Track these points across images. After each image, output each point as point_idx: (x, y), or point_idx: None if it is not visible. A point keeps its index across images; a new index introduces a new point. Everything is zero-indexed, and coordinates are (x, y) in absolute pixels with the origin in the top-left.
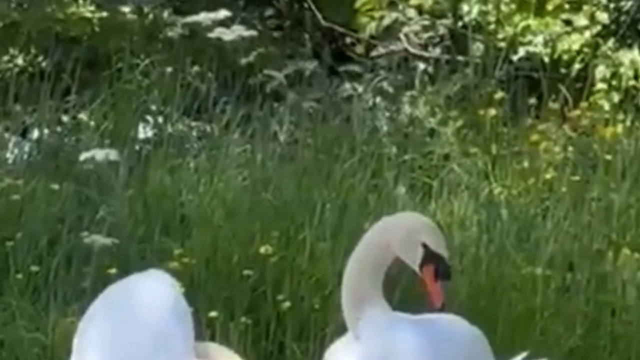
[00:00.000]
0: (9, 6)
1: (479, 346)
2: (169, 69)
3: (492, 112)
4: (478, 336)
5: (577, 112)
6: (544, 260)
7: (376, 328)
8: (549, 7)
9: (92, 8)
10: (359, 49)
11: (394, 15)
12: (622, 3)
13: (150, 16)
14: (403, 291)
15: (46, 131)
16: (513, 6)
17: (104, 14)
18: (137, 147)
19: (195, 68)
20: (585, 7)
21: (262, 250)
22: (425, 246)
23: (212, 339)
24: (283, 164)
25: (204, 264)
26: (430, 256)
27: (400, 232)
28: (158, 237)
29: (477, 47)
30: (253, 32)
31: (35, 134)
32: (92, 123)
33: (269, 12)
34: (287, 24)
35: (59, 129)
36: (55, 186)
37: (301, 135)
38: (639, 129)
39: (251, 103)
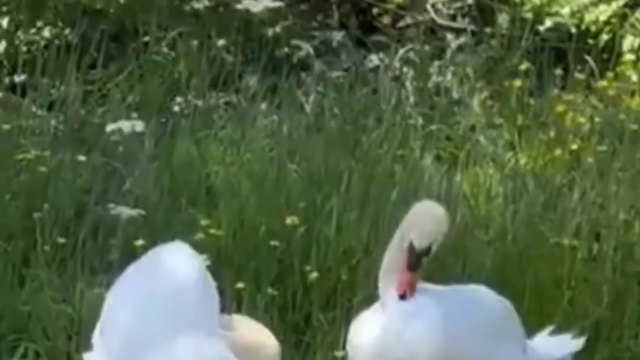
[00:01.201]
0: None
1: (505, 316)
2: (196, 41)
3: (518, 83)
4: (505, 306)
5: (604, 82)
6: (570, 230)
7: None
8: None
9: None
10: (386, 19)
11: None
12: None
13: None
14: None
15: (73, 103)
16: None
17: None
18: (163, 119)
19: (222, 40)
20: None
21: (289, 221)
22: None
23: (239, 310)
24: (310, 134)
25: (230, 235)
26: (409, 246)
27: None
28: (185, 208)
29: (504, 18)
30: (280, 4)
31: (61, 105)
32: (119, 95)
33: None
34: None
35: (85, 100)
36: (82, 158)
37: (328, 106)
38: None
39: (277, 74)
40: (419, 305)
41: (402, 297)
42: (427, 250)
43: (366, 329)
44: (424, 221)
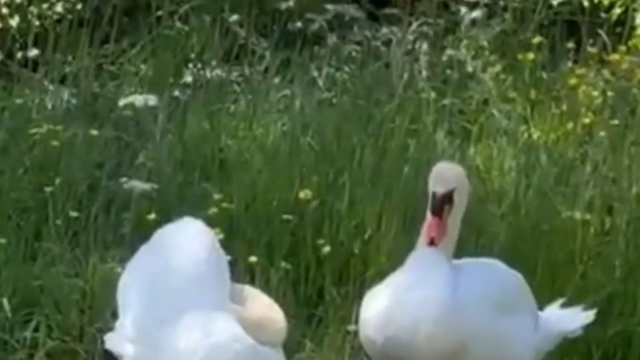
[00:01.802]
0: None
1: (516, 288)
2: (208, 15)
3: (531, 56)
4: (516, 279)
5: (616, 56)
6: (583, 204)
7: (418, 259)
8: None
9: None
10: None
11: None
12: None
13: None
14: None
15: (85, 78)
16: None
17: None
18: (176, 93)
19: (235, 14)
20: None
21: (302, 195)
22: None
23: (252, 283)
24: (322, 108)
25: (243, 209)
26: (432, 195)
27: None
28: (197, 182)
29: None
30: None
31: (74, 80)
32: (131, 69)
33: None
34: None
35: (97, 75)
36: (95, 132)
37: (340, 80)
38: None
39: (290, 48)
40: (426, 274)
41: (432, 242)
42: (449, 197)
43: (374, 301)
44: (442, 170)
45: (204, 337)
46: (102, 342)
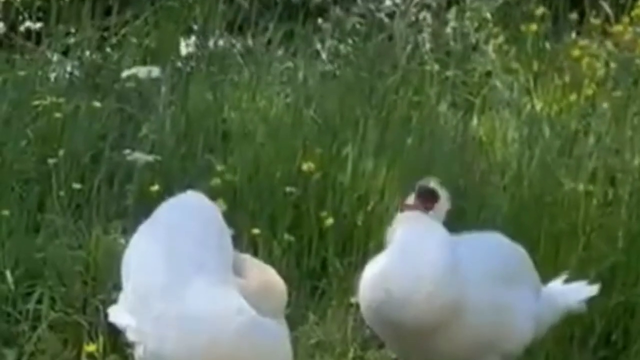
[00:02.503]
0: None
1: (517, 260)
2: None
3: (534, 28)
4: (517, 251)
5: (619, 27)
6: (586, 175)
7: (414, 222)
8: None
9: None
10: None
11: None
12: None
13: None
14: None
15: (88, 50)
16: None
17: None
18: (179, 64)
19: None
20: None
21: (305, 167)
22: None
23: (255, 256)
24: (325, 81)
25: (246, 180)
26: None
27: None
28: (200, 154)
29: None
30: None
31: (77, 52)
32: (134, 41)
33: None
34: None
35: (101, 47)
36: (97, 104)
37: (344, 52)
38: None
39: (294, 20)
40: (424, 235)
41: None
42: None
43: (372, 263)
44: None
45: (207, 310)
46: (106, 314)
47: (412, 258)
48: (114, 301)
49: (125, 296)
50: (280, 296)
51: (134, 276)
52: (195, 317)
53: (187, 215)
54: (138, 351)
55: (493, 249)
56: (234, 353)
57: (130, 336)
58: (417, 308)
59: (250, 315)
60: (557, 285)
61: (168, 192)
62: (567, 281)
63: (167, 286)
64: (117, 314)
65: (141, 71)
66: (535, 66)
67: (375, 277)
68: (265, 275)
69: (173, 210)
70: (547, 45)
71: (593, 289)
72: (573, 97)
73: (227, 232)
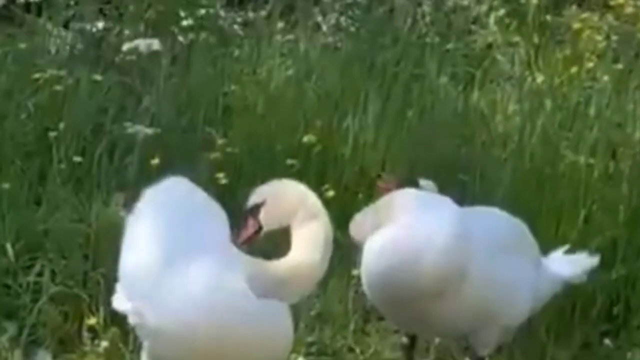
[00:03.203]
0: None
1: (515, 232)
2: None
3: (535, 0)
4: (520, 225)
5: (620, 0)
6: (587, 148)
7: (423, 200)
8: None
9: None
10: None
11: None
12: None
13: None
14: None
15: (88, 23)
16: None
17: None
18: (180, 37)
19: None
20: None
21: (306, 139)
22: None
23: None
24: (326, 53)
25: (247, 153)
26: None
27: None
28: (201, 127)
29: None
30: None
31: (78, 25)
32: (135, 14)
33: None
34: None
35: (101, 19)
36: (98, 77)
37: (345, 25)
38: None
39: None
40: (431, 211)
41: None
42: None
43: (378, 233)
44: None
45: (207, 292)
46: (106, 287)
47: (422, 226)
48: (114, 275)
49: (123, 282)
50: (308, 287)
51: (127, 264)
52: (195, 300)
53: (177, 197)
54: (140, 334)
55: (495, 221)
56: (234, 337)
57: (132, 320)
58: (424, 275)
59: (252, 299)
60: (557, 256)
61: (168, 165)
62: (567, 252)
63: (168, 268)
64: (119, 301)
65: (142, 44)
66: (536, 39)
67: (384, 244)
68: (302, 263)
69: (161, 195)
70: (548, 18)
71: (593, 261)
72: (574, 70)
73: (219, 208)
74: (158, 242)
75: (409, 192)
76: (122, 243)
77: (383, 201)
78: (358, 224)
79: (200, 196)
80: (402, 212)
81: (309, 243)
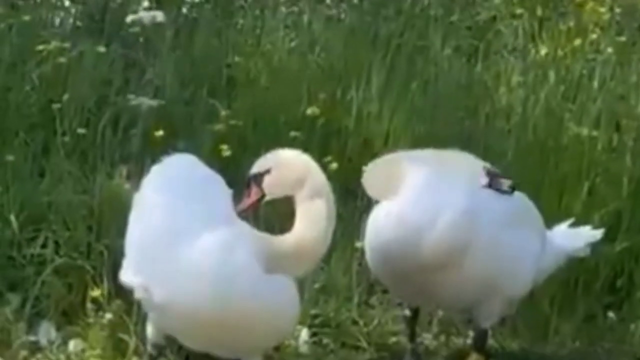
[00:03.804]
0: None
1: (525, 206)
2: None
3: None
4: (525, 199)
5: None
6: (590, 120)
7: (434, 172)
8: None
9: None
10: None
11: None
12: None
13: None
14: None
15: None
16: None
17: None
18: (184, 9)
19: None
20: None
21: (309, 111)
22: None
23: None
24: (330, 25)
25: (250, 125)
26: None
27: None
28: (205, 98)
29: None
30: None
31: None
32: None
33: None
34: None
35: None
36: (102, 49)
37: None
38: None
39: None
40: (442, 183)
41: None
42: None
43: (387, 202)
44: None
45: (212, 267)
46: (110, 258)
47: (433, 198)
48: (118, 247)
49: (130, 256)
50: (312, 262)
51: (134, 236)
52: (201, 275)
53: (182, 171)
54: (146, 307)
55: (502, 195)
56: (240, 312)
57: (138, 294)
58: (427, 249)
59: (258, 274)
60: (561, 229)
61: (172, 137)
62: (572, 226)
63: (174, 242)
64: (126, 275)
65: (146, 16)
66: (539, 11)
67: (389, 216)
68: (306, 238)
69: (168, 169)
70: None
71: (597, 234)
72: (577, 42)
73: (222, 181)
74: (164, 217)
75: (421, 160)
76: (129, 218)
77: (396, 161)
78: (371, 176)
79: (205, 171)
80: (412, 181)
81: (313, 218)
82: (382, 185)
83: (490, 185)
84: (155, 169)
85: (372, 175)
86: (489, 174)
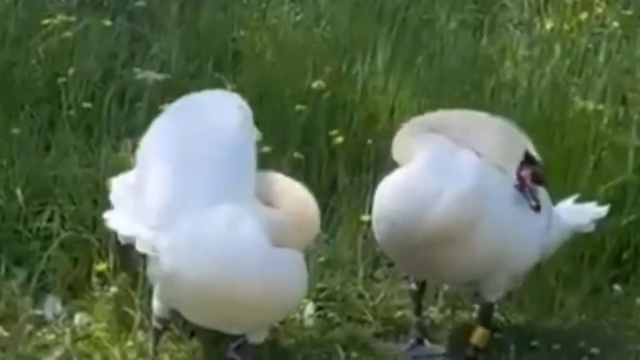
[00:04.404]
0: None
1: None
2: None
3: None
4: None
5: None
6: (596, 94)
7: (445, 147)
8: None
9: None
10: None
11: None
12: None
13: None
14: None
15: None
16: None
17: None
18: None
19: None
20: None
21: (315, 85)
22: None
23: None
24: None
25: (256, 100)
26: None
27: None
28: (210, 73)
29: None
30: None
31: None
32: None
33: None
34: None
35: None
36: (108, 23)
37: None
38: None
39: None
40: (453, 158)
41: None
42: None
43: (396, 173)
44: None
45: (224, 242)
46: (116, 232)
47: (443, 172)
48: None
49: (136, 201)
50: (312, 230)
51: (154, 180)
52: (210, 247)
53: (221, 118)
54: (148, 264)
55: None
56: (246, 286)
57: (141, 248)
58: (438, 219)
59: (266, 248)
60: (567, 205)
61: None
62: (577, 202)
63: (187, 204)
64: (124, 222)
65: None
66: None
67: (399, 183)
68: (299, 207)
69: (206, 108)
70: None
71: (602, 211)
72: (584, 16)
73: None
74: (176, 181)
75: (432, 138)
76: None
77: (419, 126)
78: (398, 139)
79: (246, 120)
80: (425, 151)
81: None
82: (404, 151)
83: (519, 187)
84: (186, 106)
85: (399, 138)
86: (521, 175)
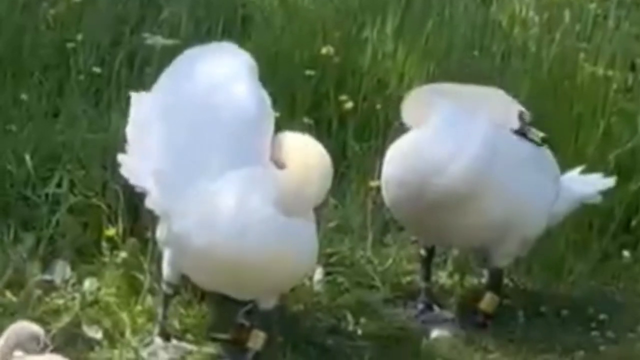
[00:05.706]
0: None
1: (542, 150)
2: None
3: None
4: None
5: None
6: (605, 60)
7: (459, 108)
8: None
9: None
10: None
11: None
12: None
13: None
14: None
15: None
16: None
17: None
18: None
19: None
20: None
21: (324, 50)
22: None
23: None
24: None
25: (265, 64)
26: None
27: None
28: (219, 38)
29: None
30: None
31: None
32: None
33: None
34: None
35: None
36: None
37: None
38: None
39: None
40: (467, 118)
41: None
42: None
43: (404, 139)
44: None
45: (235, 211)
46: (125, 197)
47: (456, 134)
48: (134, 186)
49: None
50: (323, 182)
51: (167, 147)
52: (220, 215)
53: (230, 75)
54: (158, 228)
55: (521, 139)
56: (256, 253)
57: (150, 204)
58: (450, 178)
59: (276, 221)
60: (574, 175)
61: None
62: (584, 172)
63: (196, 172)
64: (139, 174)
65: None
66: None
67: (414, 146)
68: (307, 160)
69: (212, 64)
70: None
71: (609, 181)
72: None
73: (268, 102)
74: (189, 144)
75: (454, 93)
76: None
77: (430, 92)
78: (408, 103)
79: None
80: (438, 113)
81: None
82: (416, 114)
83: (520, 131)
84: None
85: (409, 102)
86: (521, 118)
